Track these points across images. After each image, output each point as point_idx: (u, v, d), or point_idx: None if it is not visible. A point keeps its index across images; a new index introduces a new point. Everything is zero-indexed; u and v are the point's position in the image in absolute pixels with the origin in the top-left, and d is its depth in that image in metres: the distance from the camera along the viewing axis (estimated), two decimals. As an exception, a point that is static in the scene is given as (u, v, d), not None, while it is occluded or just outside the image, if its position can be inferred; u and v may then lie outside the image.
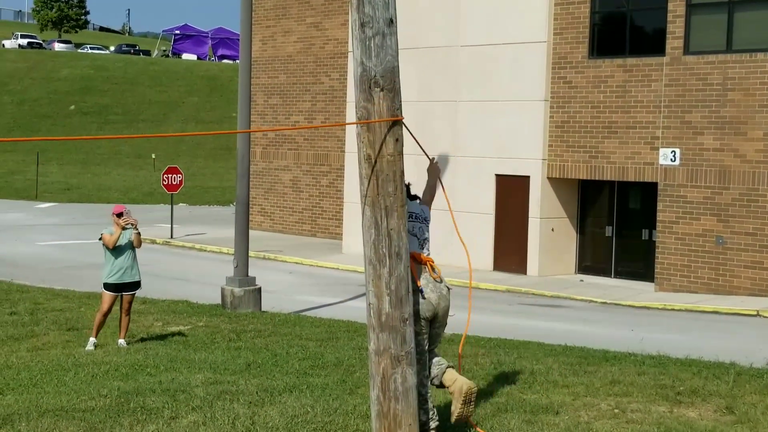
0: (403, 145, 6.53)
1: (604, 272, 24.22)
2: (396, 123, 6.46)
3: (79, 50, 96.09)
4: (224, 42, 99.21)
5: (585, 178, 23.79)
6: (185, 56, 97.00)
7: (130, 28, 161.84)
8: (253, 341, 14.19)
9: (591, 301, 21.12)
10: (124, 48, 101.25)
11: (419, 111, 25.25)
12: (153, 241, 28.36)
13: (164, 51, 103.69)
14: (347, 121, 27.20)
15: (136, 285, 14.07)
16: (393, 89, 6.43)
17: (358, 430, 8.35)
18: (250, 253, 19.31)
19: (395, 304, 6.47)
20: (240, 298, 17.87)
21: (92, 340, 13.85)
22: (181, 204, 40.15)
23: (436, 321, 7.93)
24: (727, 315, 19.60)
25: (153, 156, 58.53)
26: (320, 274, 24.61)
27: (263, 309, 18.01)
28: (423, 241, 8.06)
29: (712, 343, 15.87)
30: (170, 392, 9.77)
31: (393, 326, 6.47)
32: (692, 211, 21.89)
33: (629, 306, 20.63)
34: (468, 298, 8.60)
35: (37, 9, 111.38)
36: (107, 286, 13.89)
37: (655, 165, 22.40)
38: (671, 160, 22.14)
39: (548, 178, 24.01)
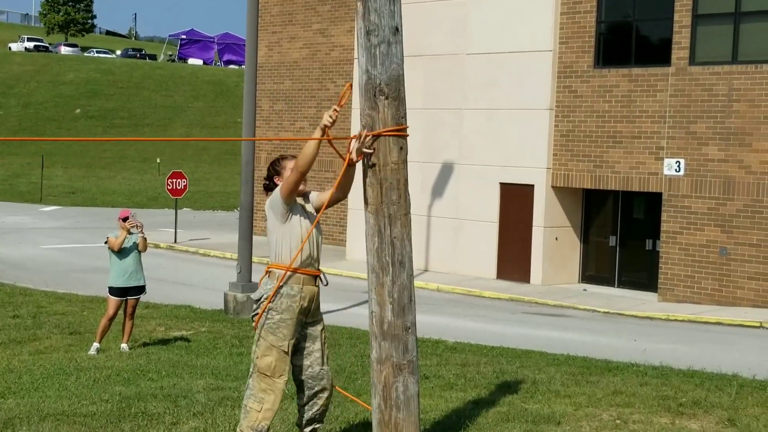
0: (407, 154, 6.53)
1: (608, 282, 24.20)
2: (400, 132, 6.45)
3: (86, 54, 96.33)
4: (230, 47, 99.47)
5: (589, 187, 23.77)
6: (191, 61, 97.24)
7: (136, 32, 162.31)
8: (255, 347, 14.17)
9: (594, 310, 21.09)
10: (131, 52, 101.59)
11: (425, 118, 25.27)
12: (157, 246, 28.37)
13: (170, 55, 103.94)
14: (353, 127, 27.20)
15: (140, 289, 14.11)
16: (398, 98, 6.43)
17: (359, 438, 8.34)
18: (254, 259, 19.32)
19: (398, 313, 6.47)
20: (243, 304, 17.86)
21: (96, 345, 13.87)
22: (185, 209, 40.16)
23: None
24: (730, 326, 19.56)
25: (158, 160, 58.61)
26: (323, 280, 24.55)
27: (266, 315, 17.98)
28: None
29: (714, 355, 15.84)
30: (172, 398, 9.76)
31: (395, 335, 6.47)
32: (696, 221, 21.87)
33: (632, 316, 20.61)
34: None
35: (44, 12, 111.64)
36: (112, 291, 13.92)
37: (660, 175, 22.38)
38: (676, 170, 22.12)
39: (552, 187, 23.99)
